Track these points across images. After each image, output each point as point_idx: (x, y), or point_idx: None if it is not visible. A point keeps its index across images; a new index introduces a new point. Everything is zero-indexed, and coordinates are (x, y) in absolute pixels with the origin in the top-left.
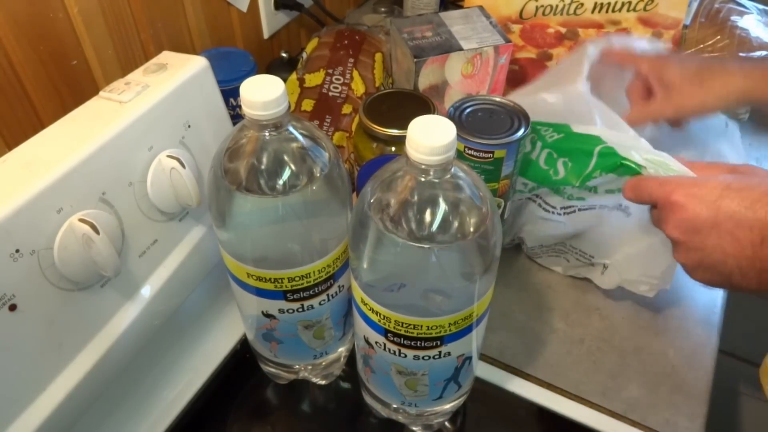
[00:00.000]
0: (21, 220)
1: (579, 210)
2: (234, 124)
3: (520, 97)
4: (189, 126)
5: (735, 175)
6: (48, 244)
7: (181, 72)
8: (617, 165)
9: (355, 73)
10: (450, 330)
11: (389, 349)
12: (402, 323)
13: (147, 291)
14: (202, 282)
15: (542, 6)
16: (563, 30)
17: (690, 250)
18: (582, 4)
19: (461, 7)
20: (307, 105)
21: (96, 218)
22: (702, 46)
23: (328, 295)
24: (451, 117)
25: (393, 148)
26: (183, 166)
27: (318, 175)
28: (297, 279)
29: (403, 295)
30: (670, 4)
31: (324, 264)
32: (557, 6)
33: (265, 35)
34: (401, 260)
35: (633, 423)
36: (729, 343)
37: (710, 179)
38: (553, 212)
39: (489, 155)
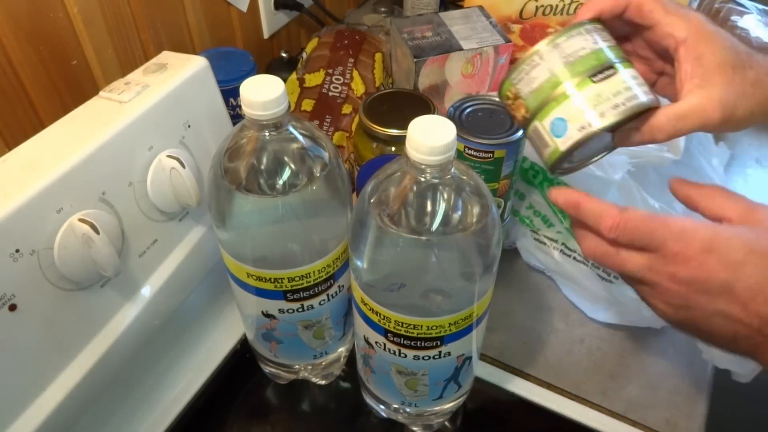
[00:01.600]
0: (21, 220)
1: (575, 259)
2: (234, 124)
3: None
4: (189, 126)
5: (755, 230)
6: (48, 244)
7: (181, 72)
8: None
9: (355, 73)
10: (450, 330)
11: (389, 349)
12: (402, 323)
13: (147, 291)
14: (202, 282)
15: (542, 6)
16: None
17: (687, 309)
18: (582, 4)
19: (461, 7)
20: (307, 105)
21: (96, 218)
22: None
23: (328, 295)
24: (451, 117)
25: (393, 148)
26: (183, 166)
27: (318, 175)
28: (297, 279)
29: (403, 295)
30: None
31: (324, 264)
32: (557, 6)
33: (265, 35)
34: (401, 260)
35: (633, 423)
36: None
37: (731, 235)
38: (551, 246)
39: (489, 155)
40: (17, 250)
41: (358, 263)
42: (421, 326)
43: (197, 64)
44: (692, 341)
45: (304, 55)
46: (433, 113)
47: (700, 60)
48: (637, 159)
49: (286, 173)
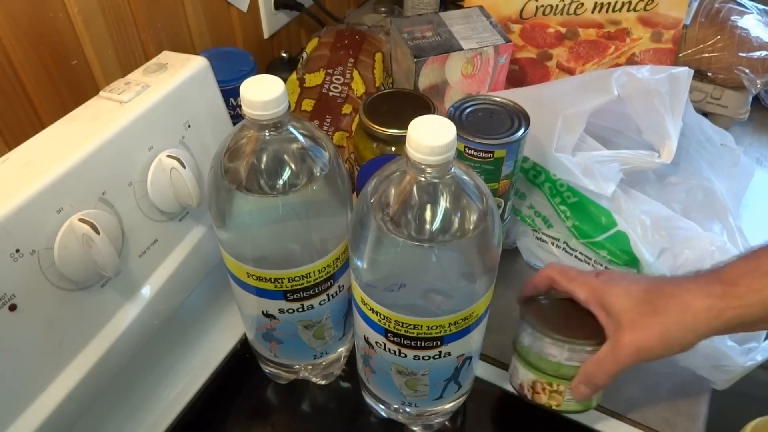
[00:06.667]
0: (21, 220)
1: (577, 258)
2: (234, 124)
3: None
4: (189, 126)
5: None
6: (48, 244)
7: (181, 72)
8: (628, 255)
9: (355, 73)
10: (450, 330)
11: (389, 349)
12: (402, 323)
13: (147, 291)
14: (202, 282)
15: (542, 6)
16: (563, 30)
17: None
18: (582, 4)
19: (461, 7)
20: (307, 105)
21: (96, 218)
22: (702, 45)
23: (328, 295)
24: (451, 117)
25: (393, 148)
26: (183, 166)
27: (318, 174)
28: (297, 279)
29: (403, 295)
30: (670, 4)
31: (324, 264)
32: (557, 6)
33: (265, 35)
34: (401, 260)
35: (633, 423)
36: None
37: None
38: (553, 244)
39: (489, 155)
40: (17, 250)
41: (359, 263)
42: (421, 326)
43: (197, 64)
44: None
45: (304, 55)
46: (433, 113)
47: (606, 312)
48: (629, 165)
49: (286, 173)
